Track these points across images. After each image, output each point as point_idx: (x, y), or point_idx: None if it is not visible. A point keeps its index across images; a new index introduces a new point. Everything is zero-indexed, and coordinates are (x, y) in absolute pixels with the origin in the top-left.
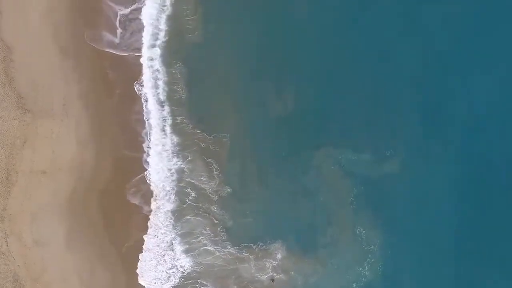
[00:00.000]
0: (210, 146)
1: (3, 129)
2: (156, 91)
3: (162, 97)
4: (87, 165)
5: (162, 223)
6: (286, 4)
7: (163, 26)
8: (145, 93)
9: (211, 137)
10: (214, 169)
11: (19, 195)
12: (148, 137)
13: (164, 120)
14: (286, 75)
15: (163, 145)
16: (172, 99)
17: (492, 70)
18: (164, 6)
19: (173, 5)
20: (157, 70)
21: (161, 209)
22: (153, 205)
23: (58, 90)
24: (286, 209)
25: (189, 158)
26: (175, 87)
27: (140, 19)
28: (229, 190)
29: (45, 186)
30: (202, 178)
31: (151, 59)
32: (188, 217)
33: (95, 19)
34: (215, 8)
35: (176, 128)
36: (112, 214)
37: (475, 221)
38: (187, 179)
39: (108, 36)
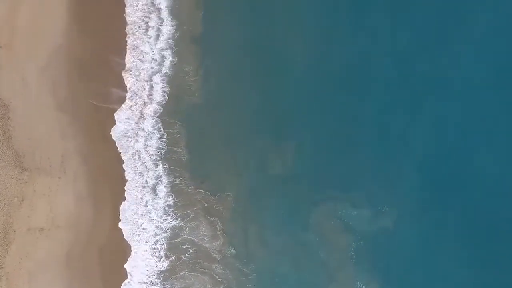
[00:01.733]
0: (214, 206)
1: (0, 189)
2: (150, 151)
3: (158, 156)
4: (86, 221)
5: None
6: (285, 66)
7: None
8: (139, 151)
9: (216, 196)
10: (218, 228)
11: (17, 253)
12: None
13: (159, 179)
14: (285, 134)
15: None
16: (171, 160)
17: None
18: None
19: (174, 65)
20: (153, 132)
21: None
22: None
23: (56, 147)
24: (288, 268)
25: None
26: (175, 148)
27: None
28: (233, 250)
29: (42, 244)
30: (204, 238)
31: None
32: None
33: (94, 75)
34: (217, 70)
35: (175, 189)
36: (111, 270)
37: (474, 277)
38: (187, 237)
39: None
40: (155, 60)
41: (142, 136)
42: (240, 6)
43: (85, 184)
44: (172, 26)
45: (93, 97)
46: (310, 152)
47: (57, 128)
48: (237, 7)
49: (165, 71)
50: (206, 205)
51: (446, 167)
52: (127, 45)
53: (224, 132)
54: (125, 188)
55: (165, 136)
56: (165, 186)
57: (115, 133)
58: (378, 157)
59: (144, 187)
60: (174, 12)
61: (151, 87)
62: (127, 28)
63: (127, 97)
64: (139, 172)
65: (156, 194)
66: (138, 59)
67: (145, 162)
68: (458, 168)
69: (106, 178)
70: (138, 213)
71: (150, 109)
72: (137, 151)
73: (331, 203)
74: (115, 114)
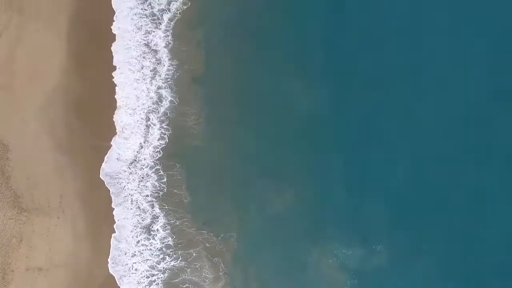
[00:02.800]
0: (217, 246)
1: None
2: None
3: (155, 198)
4: (84, 261)
5: None
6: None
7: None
8: (133, 194)
9: (219, 238)
10: (221, 269)
11: None
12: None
13: (155, 219)
14: (284, 176)
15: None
16: (171, 201)
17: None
18: (162, 106)
19: (175, 107)
20: (150, 174)
21: None
22: None
23: (54, 187)
24: None
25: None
26: (175, 190)
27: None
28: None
29: (41, 283)
30: (206, 280)
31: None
32: None
33: (93, 115)
34: (219, 112)
35: (175, 229)
36: None
37: None
38: (188, 277)
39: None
40: (151, 98)
41: (135, 179)
42: (244, 46)
43: (83, 224)
44: (171, 65)
45: (92, 137)
46: (308, 194)
47: (56, 168)
48: (241, 47)
49: (163, 111)
50: (208, 245)
51: (441, 206)
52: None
53: (226, 174)
54: (114, 229)
55: (164, 178)
56: (162, 227)
57: (104, 173)
58: (373, 198)
59: (136, 227)
60: (174, 52)
61: (148, 127)
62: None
63: (120, 137)
64: (132, 213)
65: (151, 234)
66: (135, 95)
67: (138, 203)
68: (454, 208)
69: (104, 218)
70: (129, 253)
71: (148, 150)
72: (130, 194)
73: (327, 243)
74: (106, 157)
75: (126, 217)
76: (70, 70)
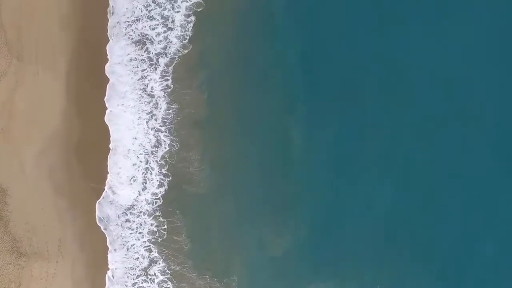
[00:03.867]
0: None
1: None
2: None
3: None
4: None
5: None
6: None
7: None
8: (130, 241)
9: (222, 283)
10: None
11: None
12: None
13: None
14: (284, 221)
15: None
16: (171, 247)
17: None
18: (161, 151)
19: (177, 152)
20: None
21: None
22: None
23: (53, 231)
24: None
25: None
26: (175, 237)
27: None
28: None
29: None
30: None
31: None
32: None
33: (93, 158)
34: (223, 159)
35: (176, 274)
36: None
37: None
38: None
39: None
40: (149, 142)
41: (132, 225)
42: (247, 89)
43: (83, 268)
44: (171, 109)
45: (91, 180)
46: (307, 238)
47: (55, 212)
48: (244, 90)
49: (162, 155)
50: None
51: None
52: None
53: (228, 220)
54: (111, 273)
55: (165, 225)
56: (161, 271)
57: (99, 219)
58: (371, 240)
59: (134, 269)
60: (173, 95)
61: (146, 171)
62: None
63: (115, 181)
64: (129, 257)
65: (149, 278)
66: (132, 139)
67: (136, 248)
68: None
69: (103, 261)
70: None
71: (146, 196)
72: (126, 240)
73: (326, 284)
74: (98, 202)
75: (123, 261)
76: (69, 113)
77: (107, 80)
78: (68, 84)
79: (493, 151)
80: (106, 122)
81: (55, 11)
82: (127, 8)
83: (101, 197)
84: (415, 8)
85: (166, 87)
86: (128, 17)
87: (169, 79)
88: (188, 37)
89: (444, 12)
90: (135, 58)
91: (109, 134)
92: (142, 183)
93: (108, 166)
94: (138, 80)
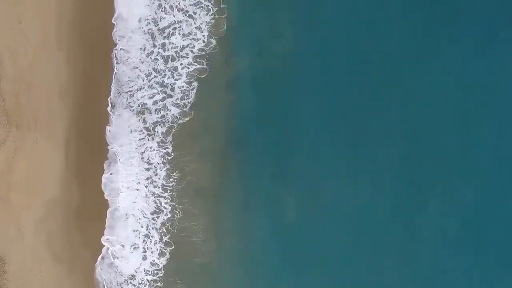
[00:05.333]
0: None
1: None
2: None
3: None
4: None
5: None
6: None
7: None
8: None
9: None
10: None
11: None
12: None
13: None
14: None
15: None
16: None
17: None
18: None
19: (180, 221)
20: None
21: None
22: None
23: None
24: None
25: None
26: None
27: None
28: None
29: None
30: None
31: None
32: None
33: (92, 225)
34: (227, 229)
35: None
36: None
37: None
38: None
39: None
40: (149, 209)
41: None
42: (251, 157)
43: None
44: (172, 177)
45: (90, 247)
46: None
47: (54, 279)
48: (248, 158)
49: (163, 222)
50: None
51: None
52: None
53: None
54: None
55: None
56: None
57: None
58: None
59: None
60: (174, 163)
61: (146, 240)
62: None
63: (116, 249)
64: None
65: None
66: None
67: None
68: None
69: None
70: None
71: (146, 266)
72: None
73: None
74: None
75: None
76: (68, 180)
77: (106, 148)
78: (67, 151)
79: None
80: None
81: (54, 80)
82: (129, 77)
83: (100, 265)
84: None
85: (166, 154)
86: (131, 87)
87: (169, 147)
88: (189, 104)
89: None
90: (135, 129)
91: (108, 200)
92: (143, 252)
93: (106, 233)
94: (137, 148)
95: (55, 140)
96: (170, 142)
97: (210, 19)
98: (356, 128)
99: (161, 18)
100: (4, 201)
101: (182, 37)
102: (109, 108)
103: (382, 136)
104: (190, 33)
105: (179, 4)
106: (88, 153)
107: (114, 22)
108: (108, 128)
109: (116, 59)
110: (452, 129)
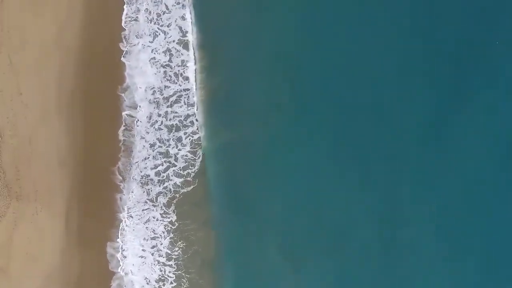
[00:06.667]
0: None
1: None
2: None
3: None
4: None
5: None
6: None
7: None
8: None
9: None
10: None
11: None
12: None
13: None
14: None
15: None
16: None
17: None
18: None
19: None
20: None
21: None
22: None
23: None
24: None
25: None
26: None
27: None
28: None
29: None
30: None
31: None
32: None
33: None
34: None
35: None
36: None
37: None
38: None
39: None
40: (154, 275)
41: None
42: (256, 225)
43: None
44: (177, 247)
45: None
46: None
47: None
48: (254, 226)
49: None
50: None
51: None
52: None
53: None
54: None
55: None
56: None
57: None
58: None
59: None
60: (179, 232)
61: None
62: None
63: None
64: None
65: None
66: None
67: None
68: None
69: None
70: None
71: None
72: None
73: None
74: None
75: None
76: (69, 250)
77: (111, 216)
78: (67, 221)
79: None
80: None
81: (55, 151)
82: (139, 151)
83: None
84: None
85: (170, 223)
86: (137, 158)
87: (172, 216)
88: (193, 173)
89: None
90: (139, 200)
91: (110, 267)
92: None
93: None
94: (140, 219)
95: (55, 210)
96: (174, 211)
97: None
98: None
99: (165, 87)
100: (4, 272)
101: (188, 107)
102: (116, 178)
103: None
104: (195, 103)
105: (183, 72)
106: (89, 222)
107: (121, 94)
108: (118, 195)
109: (124, 128)
110: None
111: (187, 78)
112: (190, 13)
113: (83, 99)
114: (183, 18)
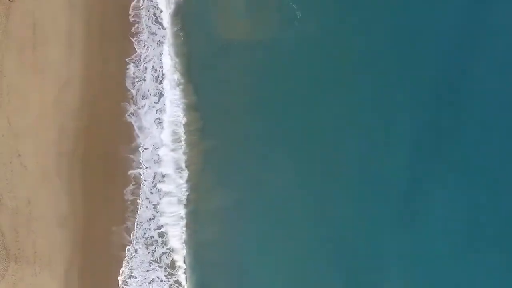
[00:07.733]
0: None
1: None
2: None
3: None
4: None
5: None
6: None
7: None
8: None
9: None
10: None
11: None
12: None
13: None
14: None
15: None
16: None
17: None
18: None
19: None
20: None
21: None
22: None
23: None
24: None
25: None
26: None
27: None
28: None
29: None
30: None
31: None
32: None
33: None
34: None
35: None
36: None
37: None
38: None
39: None
40: None
41: None
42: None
43: None
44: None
45: None
46: None
47: None
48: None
49: None
50: None
51: None
52: None
53: None
54: None
55: None
56: None
57: None
58: None
59: None
60: None
61: None
62: None
63: None
64: None
65: None
66: None
67: None
68: None
69: None
70: None
71: None
72: None
73: None
74: None
75: None
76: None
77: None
78: (67, 283)
79: None
80: None
81: (54, 212)
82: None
83: None
84: None
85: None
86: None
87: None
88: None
89: None
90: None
91: None
92: None
93: None
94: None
95: (55, 272)
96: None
97: None
98: None
99: None
100: None
101: None
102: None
103: None
104: None
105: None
106: (89, 285)
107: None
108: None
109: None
110: None
111: None
112: None
113: (82, 160)
114: None
